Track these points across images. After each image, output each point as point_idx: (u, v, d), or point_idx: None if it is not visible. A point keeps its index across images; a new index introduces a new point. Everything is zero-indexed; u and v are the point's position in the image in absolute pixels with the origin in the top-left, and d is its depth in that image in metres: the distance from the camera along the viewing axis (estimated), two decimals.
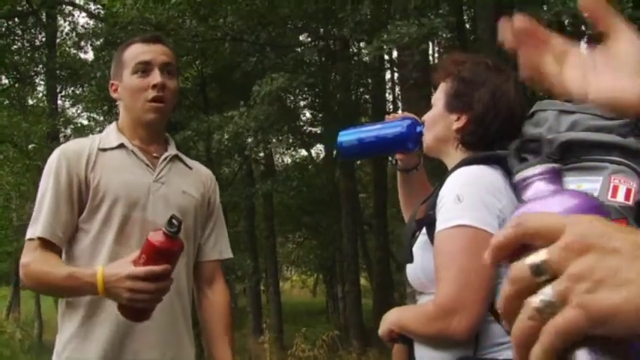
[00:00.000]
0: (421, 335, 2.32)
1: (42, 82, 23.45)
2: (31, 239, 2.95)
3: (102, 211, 2.97)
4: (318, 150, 27.15)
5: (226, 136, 13.66)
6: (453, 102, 2.49)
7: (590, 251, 0.70)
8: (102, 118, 23.33)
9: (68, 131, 23.66)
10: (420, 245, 2.41)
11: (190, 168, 3.29)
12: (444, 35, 15.48)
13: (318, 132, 23.32)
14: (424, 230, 2.41)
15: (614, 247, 0.70)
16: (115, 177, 2.99)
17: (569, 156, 2.16)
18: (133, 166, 3.07)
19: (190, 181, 3.23)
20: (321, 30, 19.22)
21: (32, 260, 2.91)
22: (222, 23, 15.01)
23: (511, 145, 1.81)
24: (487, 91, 2.43)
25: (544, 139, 2.18)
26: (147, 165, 3.09)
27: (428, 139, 2.59)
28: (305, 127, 23.25)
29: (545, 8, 11.35)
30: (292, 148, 25.87)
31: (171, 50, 3.24)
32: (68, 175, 2.98)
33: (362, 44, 19.00)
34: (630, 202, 2.03)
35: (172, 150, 3.24)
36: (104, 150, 3.06)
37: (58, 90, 22.59)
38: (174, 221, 2.55)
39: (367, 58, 18.40)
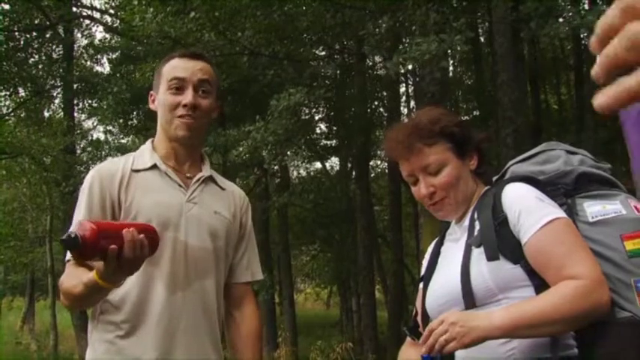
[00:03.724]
0: (569, 316, 2.30)
1: (59, 96, 23.55)
2: (68, 261, 2.96)
3: None
4: (333, 163, 27.22)
5: (244, 151, 13.67)
6: (464, 148, 2.74)
7: None
8: (118, 131, 23.45)
9: (84, 144, 23.77)
10: (478, 257, 2.51)
11: (223, 189, 3.28)
12: (464, 50, 15.56)
13: (333, 145, 23.37)
14: (475, 246, 2.53)
15: None
16: (148, 198, 3.01)
17: (580, 186, 2.59)
18: (166, 187, 3.08)
19: (223, 202, 3.22)
20: (337, 44, 19.29)
21: (63, 279, 2.92)
22: (240, 37, 15.05)
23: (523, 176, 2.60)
24: (468, 127, 2.79)
25: (561, 171, 2.62)
26: (180, 185, 3.10)
27: (456, 194, 2.72)
28: (320, 140, 23.29)
29: (562, 21, 11.38)
30: (307, 161, 25.87)
31: (212, 66, 3.22)
32: (101, 195, 3.00)
33: (378, 58, 19.02)
34: None
35: (207, 171, 3.23)
36: (137, 171, 3.08)
37: (74, 103, 22.70)
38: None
39: (382, 72, 18.43)
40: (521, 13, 11.68)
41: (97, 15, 22.96)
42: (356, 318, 23.61)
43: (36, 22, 21.82)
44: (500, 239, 2.48)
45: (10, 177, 25.30)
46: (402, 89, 24.01)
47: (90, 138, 24.23)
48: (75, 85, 21.52)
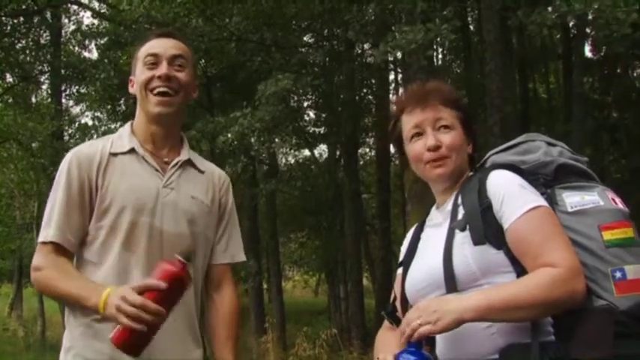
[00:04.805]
0: (544, 303, 2.33)
1: (46, 81, 23.46)
2: (44, 243, 2.99)
3: (109, 216, 2.98)
4: (321, 150, 27.18)
5: (232, 137, 13.66)
6: (468, 132, 2.78)
7: None
8: (106, 117, 23.36)
9: (72, 130, 23.67)
10: (462, 241, 2.52)
11: (202, 172, 3.26)
12: (451, 39, 15.55)
13: (322, 132, 23.34)
14: (460, 230, 2.55)
15: None
16: (124, 183, 3.00)
17: (560, 177, 2.63)
18: (143, 172, 3.07)
19: (201, 186, 3.21)
20: (326, 31, 19.25)
21: (45, 265, 2.96)
22: (228, 23, 15.04)
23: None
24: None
25: (542, 162, 2.66)
26: (157, 170, 3.08)
27: (457, 160, 2.73)
28: (309, 127, 23.26)
29: (550, 10, 11.38)
30: (295, 149, 25.84)
31: (186, 44, 3.23)
32: (80, 179, 3.00)
33: (366, 45, 19.01)
34: (625, 209, 2.54)
35: (185, 155, 3.21)
36: (115, 155, 3.07)
37: (62, 89, 22.61)
38: (181, 258, 2.66)
39: (371, 59, 18.43)
40: (509, 0, 11.68)
41: (84, 0, 22.83)
42: (344, 305, 23.61)
43: (23, 7, 21.70)
44: (485, 224, 2.50)
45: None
46: (391, 77, 23.95)
47: (78, 124, 24.09)
48: (62, 71, 21.40)
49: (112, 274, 2.94)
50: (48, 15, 22.11)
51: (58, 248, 2.96)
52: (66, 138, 21.80)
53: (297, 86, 14.04)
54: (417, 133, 2.74)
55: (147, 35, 3.30)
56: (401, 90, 22.99)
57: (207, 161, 3.40)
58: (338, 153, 23.51)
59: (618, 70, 20.86)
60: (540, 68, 24.03)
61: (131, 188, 2.99)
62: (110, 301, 2.66)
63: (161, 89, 3.05)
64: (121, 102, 20.37)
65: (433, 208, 2.89)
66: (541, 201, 2.49)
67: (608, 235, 2.41)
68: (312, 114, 23.26)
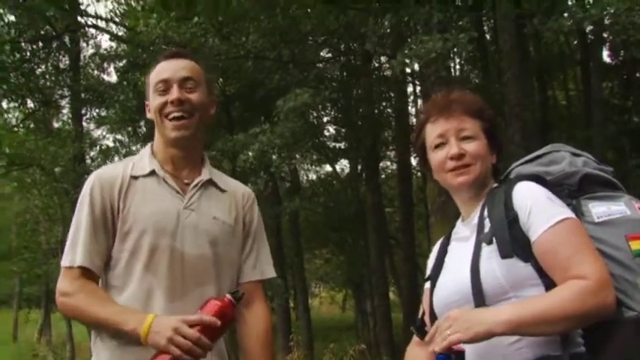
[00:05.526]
0: (574, 316, 2.31)
1: (67, 105, 23.59)
2: (70, 267, 2.98)
3: (130, 240, 2.98)
4: (343, 165, 27.18)
5: (252, 154, 13.69)
6: (492, 142, 2.77)
7: None
8: (127, 140, 23.47)
9: (94, 153, 23.80)
10: (489, 254, 2.51)
11: (224, 191, 3.23)
12: (468, 49, 15.51)
13: (342, 147, 23.34)
14: (487, 243, 2.54)
15: None
16: (144, 206, 3.01)
17: (585, 187, 2.63)
18: (163, 194, 3.06)
19: (223, 206, 3.19)
20: (343, 46, 19.29)
21: (73, 291, 2.94)
22: (244, 41, 15.10)
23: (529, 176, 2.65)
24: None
25: (567, 172, 2.66)
26: (177, 192, 3.08)
27: (480, 169, 2.72)
28: (329, 143, 23.28)
29: (565, 16, 11.35)
30: (317, 164, 25.86)
31: (197, 63, 3.22)
32: (102, 202, 3.01)
33: (383, 58, 19.01)
34: None
35: (206, 174, 3.19)
36: (136, 177, 3.07)
37: (82, 112, 22.73)
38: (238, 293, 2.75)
39: (389, 72, 18.44)
40: (524, 8, 11.64)
41: (102, 24, 22.98)
42: (371, 320, 23.59)
43: (42, 32, 21.87)
44: (512, 237, 2.48)
45: (21, 189, 25.41)
46: (410, 89, 23.94)
47: (99, 147, 24.25)
48: (82, 95, 21.51)
49: (134, 297, 2.94)
50: (66, 39, 22.27)
51: (85, 272, 2.96)
52: (88, 161, 21.89)
53: (316, 101, 14.05)
54: (440, 142, 2.75)
55: (157, 58, 3.29)
56: (420, 102, 23.06)
57: (231, 179, 3.39)
58: (359, 167, 23.51)
59: (638, 75, 20.78)
60: (559, 75, 23.97)
61: (152, 211, 3.00)
62: (157, 330, 2.69)
63: (175, 114, 3.05)
64: (142, 123, 20.43)
65: (459, 222, 2.88)
66: (568, 213, 2.49)
67: (636, 245, 2.41)
68: (331, 129, 23.32)
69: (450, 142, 2.71)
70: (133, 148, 22.56)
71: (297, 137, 14.16)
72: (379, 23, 13.54)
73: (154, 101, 3.10)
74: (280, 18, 14.83)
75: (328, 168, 26.81)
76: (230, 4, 14.25)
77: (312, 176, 29.24)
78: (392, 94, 21.71)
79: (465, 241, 2.70)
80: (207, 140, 17.04)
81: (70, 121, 24.00)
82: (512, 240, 2.47)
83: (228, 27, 15.04)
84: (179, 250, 2.98)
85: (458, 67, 24.46)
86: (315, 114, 19.53)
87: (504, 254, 2.45)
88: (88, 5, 23.75)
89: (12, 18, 20.54)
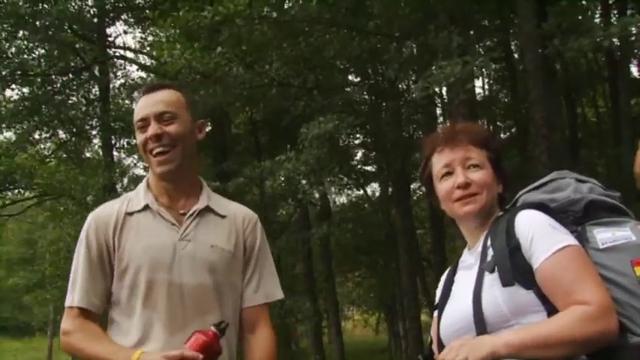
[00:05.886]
0: (576, 340, 2.32)
1: (97, 135, 23.81)
2: (70, 307, 3.04)
3: (128, 277, 3.02)
4: (374, 188, 27.16)
5: (278, 182, 13.76)
6: (498, 172, 2.77)
7: None
8: None
9: (125, 181, 23.98)
10: (491, 282, 2.51)
11: (224, 216, 3.20)
12: (491, 69, 15.52)
13: (372, 170, 23.36)
14: (489, 271, 2.54)
15: None
16: (139, 242, 3.03)
17: (590, 214, 2.59)
18: (158, 228, 3.07)
19: (222, 232, 3.16)
20: (370, 69, 19.32)
21: (72, 330, 3.02)
22: (268, 69, 15.19)
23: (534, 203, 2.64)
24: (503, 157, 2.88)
25: (571, 199, 2.63)
26: (173, 224, 3.08)
27: (486, 198, 2.72)
28: (359, 166, 23.30)
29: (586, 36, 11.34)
30: (346, 189, 25.86)
31: (177, 92, 3.19)
32: (97, 242, 3.05)
33: (410, 81, 19.03)
34: None
35: (203, 202, 3.17)
36: (130, 214, 3.09)
37: (112, 142, 22.96)
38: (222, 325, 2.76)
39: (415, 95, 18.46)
40: (544, 29, 11.63)
41: (130, 54, 23.27)
42: (404, 343, 23.48)
43: (72, 64, 22.17)
44: (513, 265, 2.49)
45: (54, 218, 25.65)
46: (438, 111, 23.94)
47: (129, 175, 24.45)
48: (112, 124, 21.73)
49: (135, 332, 2.98)
50: (96, 70, 22.54)
51: (84, 312, 3.02)
52: (119, 190, 22.08)
53: (340, 127, 14.07)
54: (447, 172, 2.76)
55: (138, 94, 3.33)
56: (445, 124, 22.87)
57: (232, 203, 3.36)
58: (390, 190, 23.49)
59: None
60: (588, 92, 23.82)
61: (146, 246, 3.01)
62: None
63: (157, 150, 3.05)
64: None
65: (465, 250, 2.88)
66: (571, 240, 2.48)
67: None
68: (360, 153, 23.35)
69: (456, 172, 2.72)
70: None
71: (323, 163, 14.17)
72: (400, 50, 13.57)
73: (138, 139, 3.12)
74: (303, 45, 14.90)
75: (360, 191, 26.86)
76: (252, 33, 14.39)
77: (344, 199, 29.27)
78: (420, 117, 21.72)
79: (469, 270, 2.71)
80: (235, 167, 17.23)
81: (100, 150, 24.25)
82: (514, 268, 2.48)
83: (251, 56, 15.14)
84: (177, 282, 2.99)
85: (487, 87, 24.48)
86: (344, 138, 19.54)
87: (505, 282, 2.46)
88: (117, 36, 23.91)
89: (42, 51, 20.88)
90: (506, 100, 23.77)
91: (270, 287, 3.27)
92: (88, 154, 26.07)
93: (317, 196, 20.73)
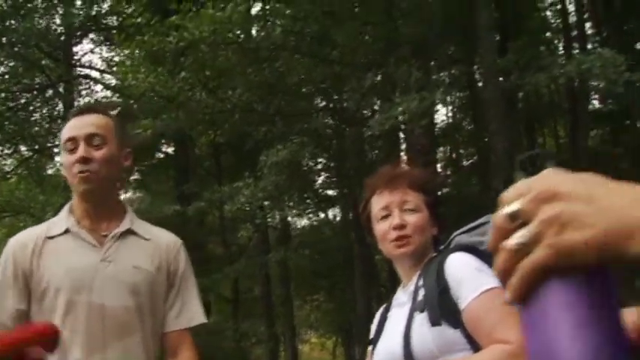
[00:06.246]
0: None
1: (60, 153, 23.71)
2: None
3: (47, 299, 3.01)
4: (336, 212, 27.17)
5: (237, 206, 13.83)
6: (434, 215, 2.90)
7: (556, 199, 0.86)
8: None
9: None
10: (421, 321, 2.64)
11: (147, 239, 3.22)
12: (456, 96, 15.64)
13: (334, 194, 23.41)
14: (419, 311, 2.66)
15: (576, 195, 0.86)
16: (59, 264, 3.02)
17: None
18: (79, 250, 3.07)
19: (144, 254, 3.17)
20: (335, 95, 19.39)
21: None
22: (231, 95, 15.26)
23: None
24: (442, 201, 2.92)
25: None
26: (94, 246, 3.08)
27: (420, 241, 2.84)
28: (321, 190, 23.33)
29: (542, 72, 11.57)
30: (308, 212, 25.84)
31: (107, 117, 3.22)
32: (14, 265, 3.05)
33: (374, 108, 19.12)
34: None
35: (126, 225, 3.19)
36: (51, 237, 3.09)
37: None
38: None
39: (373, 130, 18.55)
40: (500, 66, 11.83)
41: (95, 74, 23.24)
42: None
43: (37, 80, 22.11)
44: (442, 305, 2.61)
45: (11, 234, 25.46)
46: (402, 135, 23.98)
47: None
48: None
49: (52, 355, 2.98)
50: (61, 88, 22.47)
51: None
52: None
53: (301, 154, 14.18)
54: (385, 214, 2.86)
55: (69, 115, 3.34)
56: (381, 168, 22.96)
57: (156, 228, 3.38)
58: (350, 215, 23.49)
59: (627, 122, 20.86)
60: (549, 122, 24.07)
61: (66, 268, 3.01)
62: None
63: (82, 174, 3.05)
64: (135, 171, 20.61)
65: (400, 288, 3.00)
66: (495, 282, 2.55)
67: None
68: (323, 177, 23.40)
69: (393, 214, 2.83)
70: (125, 195, 22.67)
71: (282, 190, 14.27)
72: (361, 81, 13.72)
73: (64, 159, 3.13)
74: (267, 71, 15.00)
75: (322, 214, 26.84)
76: (216, 58, 14.47)
77: (305, 222, 29.21)
78: (381, 143, 21.78)
79: (402, 307, 2.82)
80: (197, 190, 17.27)
81: (61, 168, 24.11)
82: (443, 308, 2.60)
83: (214, 81, 15.21)
84: (97, 304, 2.99)
85: (450, 114, 24.66)
86: (305, 163, 19.58)
87: (433, 322, 2.59)
88: (84, 54, 23.78)
89: (7, 68, 20.82)
90: (469, 127, 23.94)
91: (193, 312, 3.28)
92: (49, 171, 25.93)
93: (278, 218, 20.73)
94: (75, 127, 3.13)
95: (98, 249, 3.07)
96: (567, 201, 0.85)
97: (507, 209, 0.88)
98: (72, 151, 3.08)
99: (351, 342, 26.63)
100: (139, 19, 15.23)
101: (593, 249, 0.83)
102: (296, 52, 15.48)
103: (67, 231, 3.10)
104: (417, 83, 11.35)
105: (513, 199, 0.88)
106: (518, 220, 0.87)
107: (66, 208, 3.21)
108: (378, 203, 2.91)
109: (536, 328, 0.89)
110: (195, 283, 3.36)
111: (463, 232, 2.93)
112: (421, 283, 2.75)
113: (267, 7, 15.62)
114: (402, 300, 2.88)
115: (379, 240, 2.91)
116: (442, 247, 2.98)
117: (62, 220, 3.15)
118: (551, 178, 0.89)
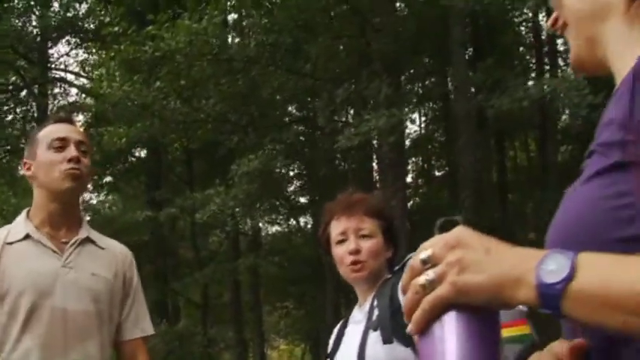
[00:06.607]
0: None
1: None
2: None
3: (8, 303, 3.05)
4: (307, 219, 27.27)
5: (207, 215, 13.96)
6: (388, 239, 3.09)
7: (460, 247, 1.07)
8: (92, 190, 23.64)
9: None
10: (375, 339, 2.83)
11: (103, 248, 3.30)
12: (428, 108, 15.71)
13: (306, 202, 23.53)
14: (373, 329, 2.85)
15: (478, 246, 1.08)
16: (20, 268, 3.07)
17: None
18: (40, 255, 3.12)
19: (102, 263, 3.25)
20: (308, 104, 19.51)
21: None
22: (204, 104, 15.39)
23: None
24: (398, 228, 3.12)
25: None
26: (54, 252, 3.13)
27: (374, 265, 3.02)
28: (293, 197, 23.45)
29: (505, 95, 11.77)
30: (279, 219, 25.92)
31: (85, 132, 3.42)
32: None
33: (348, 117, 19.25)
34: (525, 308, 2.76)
35: (83, 233, 3.25)
36: (10, 243, 3.13)
37: None
38: None
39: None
40: (474, 80, 12.01)
41: (71, 76, 23.27)
42: None
43: (11, 81, 22.11)
44: (394, 325, 2.78)
45: None
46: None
47: None
48: None
49: (14, 358, 3.05)
50: (35, 90, 22.48)
51: None
52: None
53: (272, 164, 14.34)
54: (342, 239, 3.03)
55: (45, 121, 3.47)
56: (340, 195, 22.99)
57: (108, 239, 3.45)
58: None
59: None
60: (520, 136, 24.27)
61: (28, 272, 3.06)
62: None
63: (74, 171, 3.13)
64: (105, 176, 20.68)
65: (356, 306, 3.17)
66: None
67: (505, 333, 2.68)
68: (296, 184, 23.53)
69: (349, 239, 3.01)
70: (93, 201, 22.75)
71: (254, 198, 14.41)
72: (331, 96, 13.89)
73: (46, 156, 3.14)
74: (241, 82, 15.14)
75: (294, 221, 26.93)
76: (191, 69, 14.61)
77: (277, 228, 29.25)
78: (353, 152, 21.92)
79: (358, 325, 3.00)
80: (169, 196, 17.35)
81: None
82: (394, 327, 2.76)
83: (189, 91, 15.33)
84: (60, 308, 3.05)
85: (423, 125, 24.81)
86: (278, 171, 19.67)
87: (385, 340, 2.77)
88: (60, 57, 23.78)
89: None
90: (441, 139, 24.11)
91: (146, 322, 3.41)
92: (22, 173, 25.84)
93: (249, 224, 20.80)
94: (66, 130, 3.24)
95: (58, 255, 3.13)
96: (469, 249, 1.08)
97: (421, 255, 1.10)
98: (60, 149, 3.14)
99: (320, 350, 26.74)
100: (115, 28, 15.29)
101: (485, 290, 1.05)
102: (270, 65, 15.63)
103: (26, 237, 3.14)
104: (387, 100, 11.52)
105: (428, 247, 1.11)
106: (428, 263, 1.10)
107: (23, 214, 3.25)
108: (336, 228, 3.08)
109: (429, 355, 1.13)
110: (143, 295, 3.48)
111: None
112: (376, 303, 2.93)
113: (243, 16, 15.83)
114: (358, 318, 3.06)
115: (337, 263, 3.09)
116: (396, 268, 3.13)
117: (20, 226, 3.19)
118: (460, 232, 1.11)
